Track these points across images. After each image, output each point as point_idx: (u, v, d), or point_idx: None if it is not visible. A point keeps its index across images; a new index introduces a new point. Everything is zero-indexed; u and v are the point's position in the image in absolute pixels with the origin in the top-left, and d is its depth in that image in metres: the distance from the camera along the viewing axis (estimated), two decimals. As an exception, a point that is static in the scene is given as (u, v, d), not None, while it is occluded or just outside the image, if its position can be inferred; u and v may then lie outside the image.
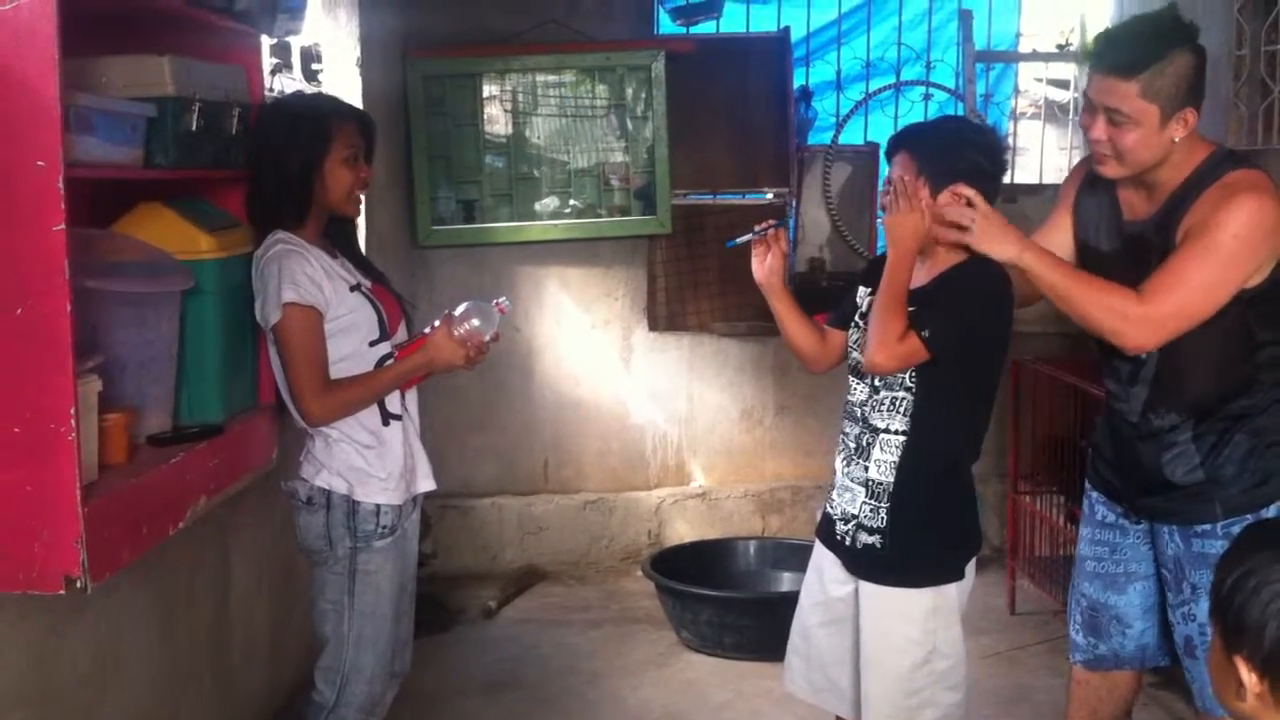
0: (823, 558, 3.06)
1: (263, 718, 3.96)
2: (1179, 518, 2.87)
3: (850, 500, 2.93)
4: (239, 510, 3.59)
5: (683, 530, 5.85)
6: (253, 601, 3.89)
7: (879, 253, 3.08)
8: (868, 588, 2.91)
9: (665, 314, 5.94)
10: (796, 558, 5.16)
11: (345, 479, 3.03)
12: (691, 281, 5.95)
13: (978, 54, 6.20)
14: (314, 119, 3.08)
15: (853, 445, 2.95)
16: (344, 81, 4.98)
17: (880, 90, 6.24)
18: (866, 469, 2.89)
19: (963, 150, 2.83)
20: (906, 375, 2.84)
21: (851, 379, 2.99)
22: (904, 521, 2.85)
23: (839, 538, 2.96)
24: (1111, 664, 3.10)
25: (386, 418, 3.08)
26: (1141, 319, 2.70)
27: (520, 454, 5.96)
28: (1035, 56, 6.65)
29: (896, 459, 2.86)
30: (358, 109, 3.26)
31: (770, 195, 6.00)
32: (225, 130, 3.05)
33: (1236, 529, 2.75)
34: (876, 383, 2.90)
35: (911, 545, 2.85)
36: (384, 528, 3.06)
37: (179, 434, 2.89)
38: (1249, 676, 1.50)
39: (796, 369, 5.95)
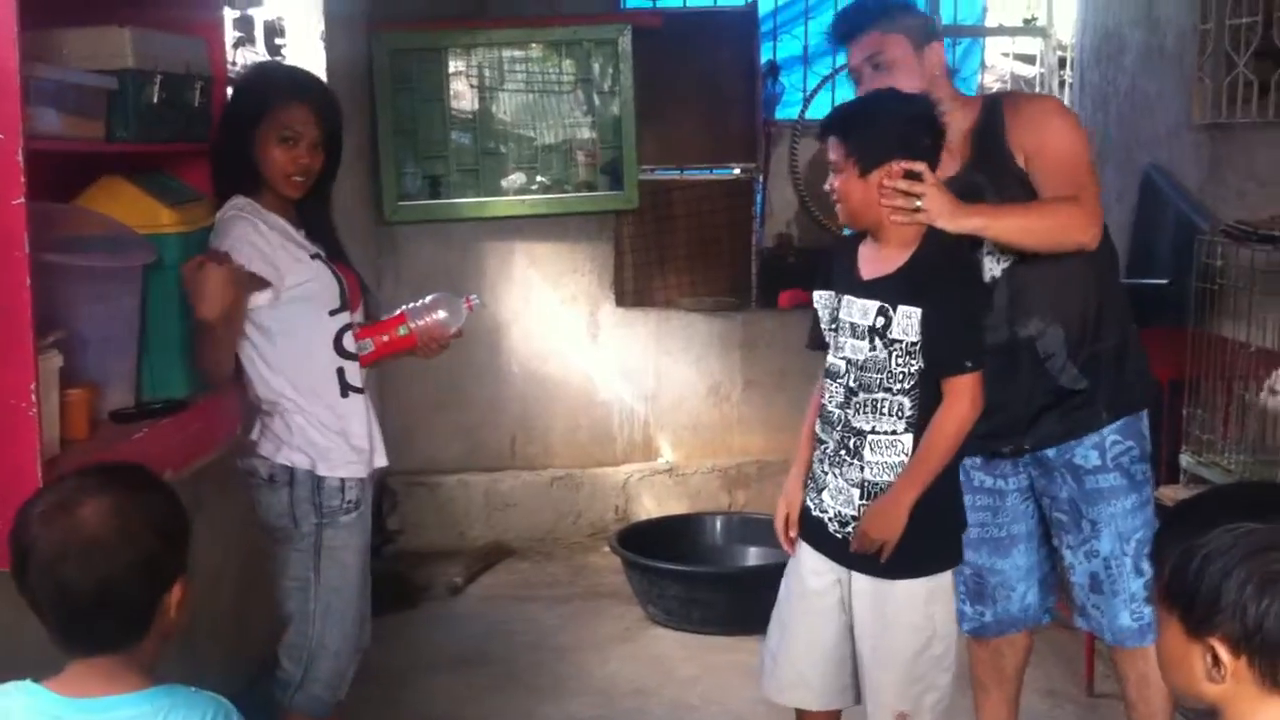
0: (803, 559, 2.95)
1: (227, 695, 3.94)
2: (1071, 433, 2.99)
3: (845, 503, 2.80)
4: (204, 486, 3.57)
5: (650, 506, 5.86)
6: (218, 578, 3.87)
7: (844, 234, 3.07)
8: (865, 581, 2.81)
9: (632, 290, 5.94)
10: (764, 532, 5.14)
11: (307, 454, 3.00)
12: (659, 257, 5.95)
13: (945, 28, 6.21)
14: (253, 92, 3.05)
15: (834, 449, 2.83)
16: (308, 56, 4.94)
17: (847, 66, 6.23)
18: (861, 469, 2.77)
19: (889, 125, 2.73)
20: (897, 381, 2.73)
21: (828, 382, 2.86)
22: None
23: (833, 536, 2.84)
24: (995, 630, 3.20)
25: (346, 390, 3.06)
26: (1091, 214, 2.87)
27: (487, 430, 5.95)
28: (1001, 31, 6.66)
29: (896, 461, 2.74)
30: (315, 93, 3.12)
31: (737, 171, 6.01)
32: (187, 103, 3.01)
33: (1125, 459, 2.98)
34: (853, 384, 2.77)
35: (911, 539, 2.72)
36: (349, 503, 3.03)
37: (142, 409, 2.86)
38: (1227, 656, 1.50)
39: (764, 345, 5.98)
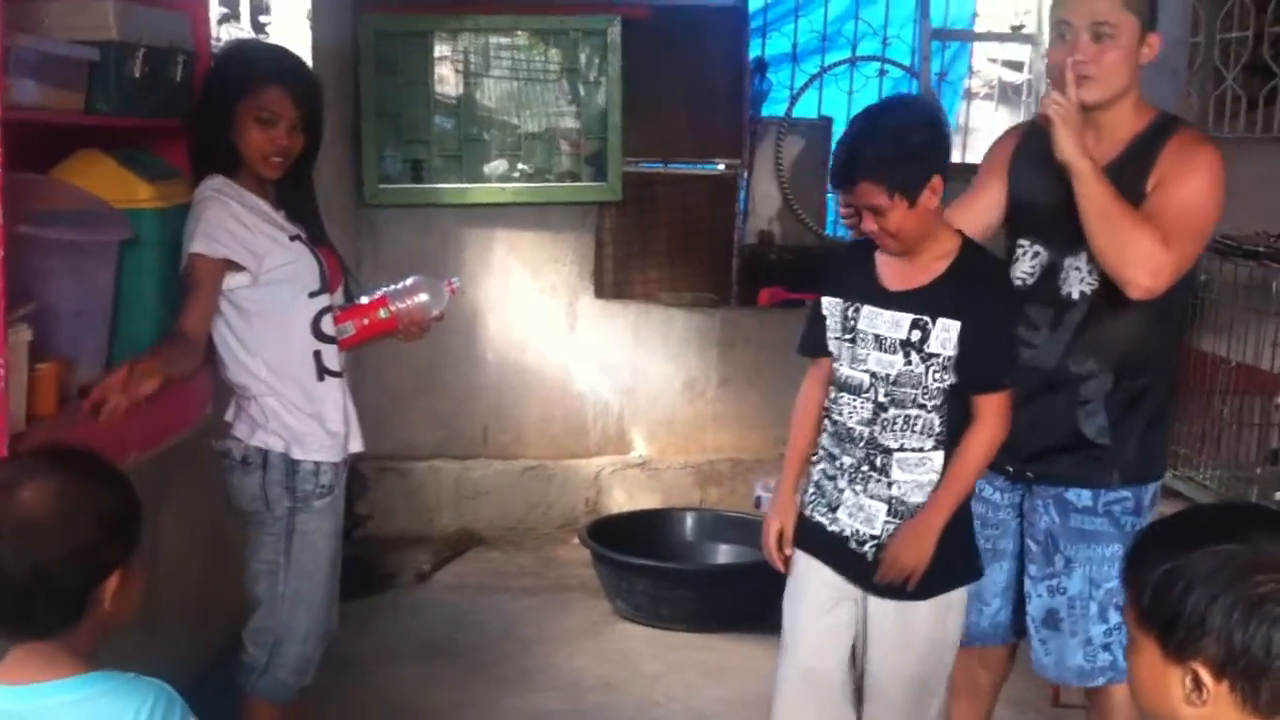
0: (813, 575, 2.82)
1: (189, 676, 3.90)
2: (1076, 480, 2.89)
3: (865, 521, 2.71)
4: (171, 467, 3.53)
5: (621, 499, 5.83)
6: (183, 560, 3.83)
7: (840, 240, 2.99)
8: (886, 604, 2.72)
9: (612, 282, 5.90)
10: (735, 530, 5.19)
11: (282, 438, 2.98)
12: (640, 250, 5.92)
13: (934, 31, 6.20)
14: (230, 72, 3.01)
15: (855, 465, 2.72)
16: (293, 35, 4.89)
17: (836, 64, 6.22)
18: (889, 487, 2.69)
19: (920, 148, 2.59)
20: (931, 396, 2.64)
21: (845, 396, 2.74)
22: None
23: (854, 553, 2.74)
24: (964, 640, 3.04)
25: (322, 373, 3.03)
26: (1166, 264, 2.70)
27: (461, 418, 5.91)
28: (991, 36, 6.65)
29: (926, 480, 2.67)
30: (293, 74, 3.07)
31: (722, 166, 5.98)
32: (169, 78, 2.97)
33: (1117, 508, 2.87)
34: (882, 399, 2.66)
35: (941, 556, 2.66)
36: (323, 487, 3.02)
37: (112, 387, 2.81)
38: (1210, 680, 1.48)
39: (741, 342, 5.96)
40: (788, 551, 2.86)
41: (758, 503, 5.43)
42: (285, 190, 3.11)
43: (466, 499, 5.80)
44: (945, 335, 2.61)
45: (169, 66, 2.96)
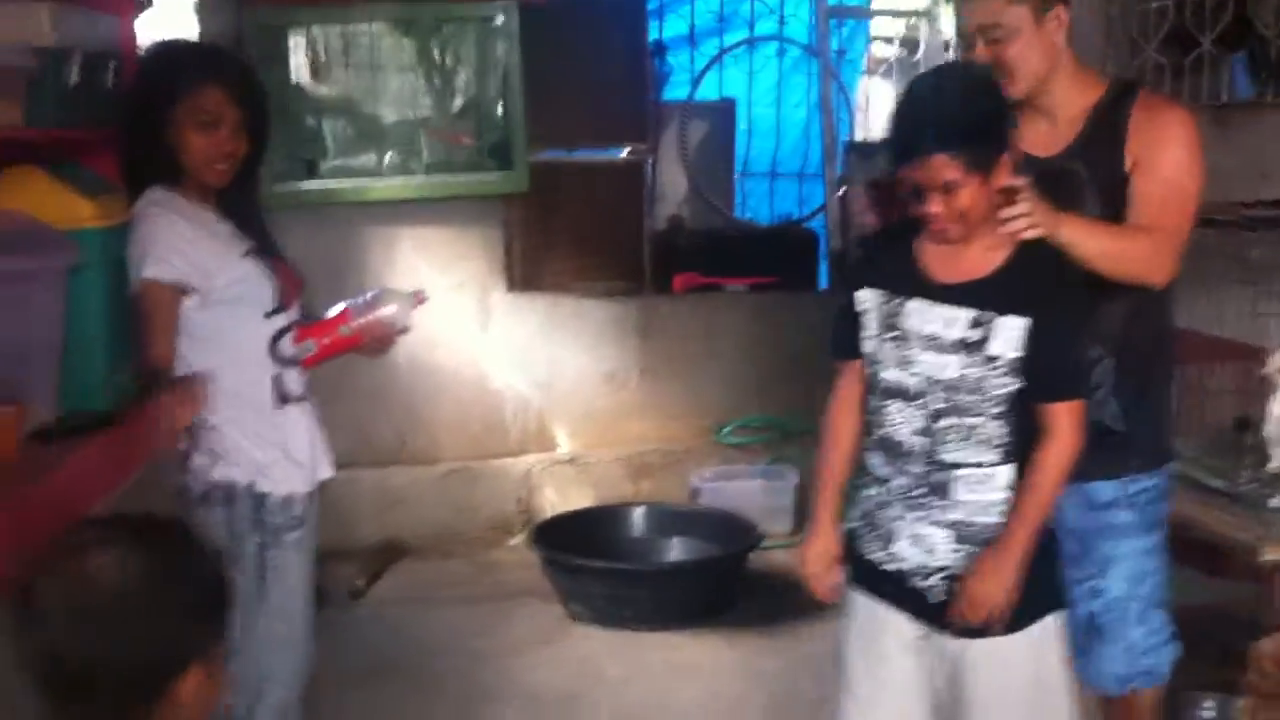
0: (879, 619, 2.52)
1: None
2: (1098, 474, 2.73)
3: (928, 551, 2.42)
4: (124, 503, 3.29)
5: (552, 497, 5.64)
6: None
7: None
8: (975, 648, 2.43)
9: (522, 274, 5.73)
10: (683, 523, 5.13)
11: (245, 469, 2.78)
12: (549, 241, 5.76)
13: (830, 9, 6.15)
14: (161, 75, 2.79)
15: (910, 486, 2.43)
16: (180, 28, 4.65)
17: (735, 45, 6.14)
18: (953, 510, 2.40)
19: (994, 119, 2.37)
20: (993, 404, 2.35)
21: (892, 404, 2.43)
22: None
23: (919, 594, 2.45)
24: None
25: (283, 398, 2.84)
26: (1172, 254, 2.65)
27: (373, 424, 5.67)
28: (886, 12, 6.62)
29: (993, 500, 2.39)
30: (229, 71, 2.84)
31: (627, 152, 5.84)
32: (102, 85, 2.75)
33: (1141, 498, 2.76)
34: (942, 406, 2.37)
35: (1031, 580, 2.39)
36: (294, 519, 2.84)
37: (66, 426, 2.57)
38: None
39: (659, 331, 5.84)
40: (838, 578, 2.58)
41: (694, 494, 5.35)
42: (230, 199, 2.89)
43: (386, 508, 5.57)
44: (1011, 335, 2.34)
45: (104, 73, 2.74)
